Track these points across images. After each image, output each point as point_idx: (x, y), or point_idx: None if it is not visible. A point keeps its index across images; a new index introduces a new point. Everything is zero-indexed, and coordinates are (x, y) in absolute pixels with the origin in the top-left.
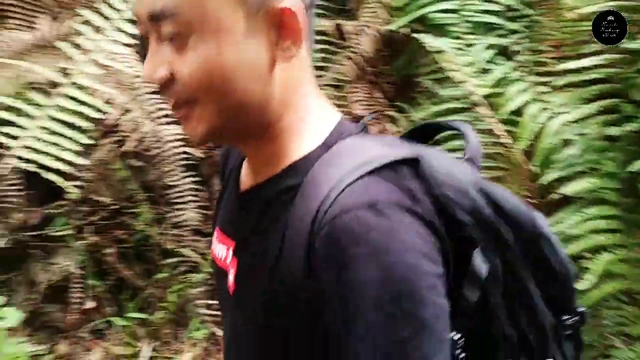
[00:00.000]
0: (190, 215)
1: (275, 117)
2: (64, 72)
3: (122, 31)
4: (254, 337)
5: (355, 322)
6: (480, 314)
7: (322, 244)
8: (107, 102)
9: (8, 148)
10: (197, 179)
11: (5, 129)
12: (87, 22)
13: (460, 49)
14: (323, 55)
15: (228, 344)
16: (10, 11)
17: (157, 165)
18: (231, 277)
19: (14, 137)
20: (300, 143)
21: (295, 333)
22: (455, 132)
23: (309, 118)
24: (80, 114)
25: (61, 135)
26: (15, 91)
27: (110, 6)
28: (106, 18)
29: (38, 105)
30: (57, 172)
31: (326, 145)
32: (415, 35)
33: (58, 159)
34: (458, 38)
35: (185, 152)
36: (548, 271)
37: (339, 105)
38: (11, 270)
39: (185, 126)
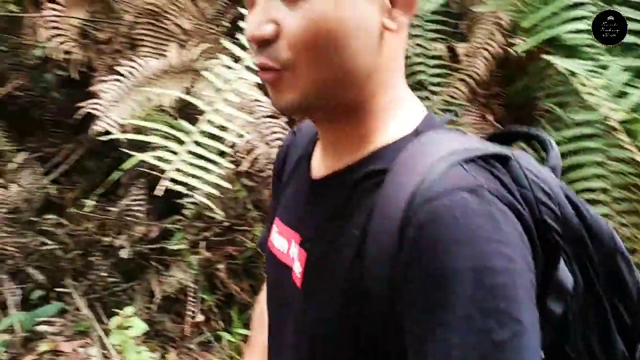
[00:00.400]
0: None
1: (370, 95)
2: (207, 100)
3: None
4: (327, 327)
5: (446, 311)
6: (558, 330)
7: (418, 224)
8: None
9: (162, 171)
10: None
11: (160, 153)
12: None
13: (593, 71)
14: (436, 78)
15: (288, 339)
16: (144, 40)
17: (269, 185)
18: (298, 269)
19: (167, 161)
20: (390, 128)
21: (370, 320)
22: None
23: (401, 103)
24: (219, 139)
25: (206, 159)
26: (145, 114)
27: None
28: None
29: (185, 131)
30: (204, 194)
31: (417, 133)
32: (545, 56)
33: (205, 182)
34: (592, 59)
35: None
36: (624, 293)
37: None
38: (132, 280)
39: (273, 93)
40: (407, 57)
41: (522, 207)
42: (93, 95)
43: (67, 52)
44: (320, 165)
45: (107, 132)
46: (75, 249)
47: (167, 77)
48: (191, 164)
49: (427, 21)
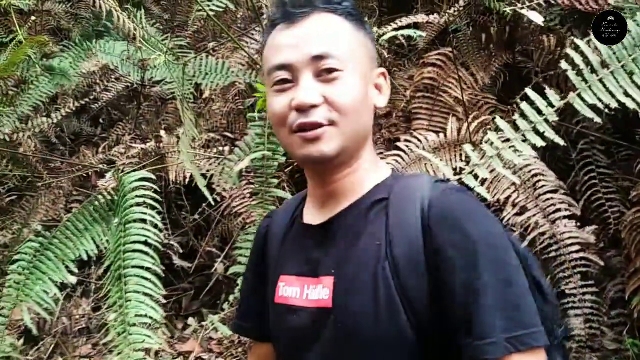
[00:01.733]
0: (577, 325)
1: (362, 151)
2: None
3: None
4: (363, 321)
5: (476, 267)
6: None
7: (436, 213)
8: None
9: None
10: (592, 288)
11: None
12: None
13: None
14: None
15: None
16: (420, 113)
17: (555, 268)
18: (325, 293)
19: None
20: (374, 176)
21: (401, 298)
22: None
23: (376, 158)
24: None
25: None
26: None
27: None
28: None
29: None
30: None
31: (392, 176)
32: None
33: None
34: None
35: (584, 258)
36: (541, 289)
37: None
38: None
39: (315, 144)
40: None
41: None
42: None
43: None
44: (317, 216)
45: None
46: None
47: (444, 150)
48: None
49: None
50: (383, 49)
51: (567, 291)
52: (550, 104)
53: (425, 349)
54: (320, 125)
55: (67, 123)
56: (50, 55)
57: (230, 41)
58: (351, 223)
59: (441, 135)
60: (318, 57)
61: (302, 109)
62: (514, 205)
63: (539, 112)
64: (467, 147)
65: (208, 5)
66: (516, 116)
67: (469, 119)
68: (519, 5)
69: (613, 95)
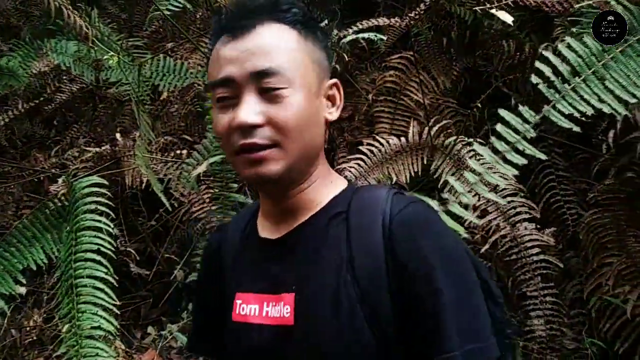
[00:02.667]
0: (538, 326)
1: (313, 167)
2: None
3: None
4: (326, 334)
5: (437, 279)
6: None
7: (399, 227)
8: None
9: None
10: (552, 290)
11: None
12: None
13: None
14: None
15: None
16: (382, 117)
17: (516, 271)
18: (286, 311)
19: None
20: (330, 188)
21: (363, 313)
22: None
23: (330, 172)
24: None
25: None
26: None
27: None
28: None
29: None
30: None
31: (351, 188)
32: None
33: None
34: None
35: (544, 261)
36: (490, 291)
37: None
38: None
39: (260, 166)
40: None
41: None
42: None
43: None
44: (273, 231)
45: None
46: None
47: (405, 154)
48: None
49: None
50: (344, 53)
51: (528, 293)
52: (526, 121)
53: None
54: (263, 146)
55: (18, 125)
56: None
57: (188, 42)
58: (310, 238)
59: (403, 139)
60: (261, 74)
61: (243, 129)
62: (475, 208)
63: (516, 131)
64: (451, 179)
65: (165, 6)
66: (493, 139)
67: (431, 123)
68: (488, 5)
69: (588, 103)
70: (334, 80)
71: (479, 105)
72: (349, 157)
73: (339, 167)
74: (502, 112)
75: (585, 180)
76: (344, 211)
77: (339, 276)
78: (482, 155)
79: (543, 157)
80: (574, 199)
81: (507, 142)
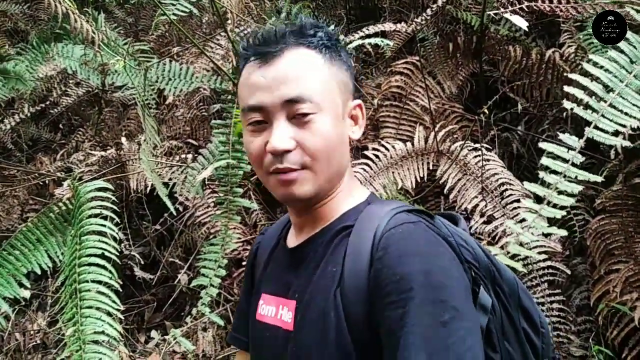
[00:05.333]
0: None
1: (339, 182)
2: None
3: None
4: (317, 345)
5: (408, 301)
6: (484, 337)
7: (382, 247)
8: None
9: None
10: (559, 297)
11: None
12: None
13: None
14: None
15: None
16: (387, 121)
17: (522, 278)
18: (289, 316)
19: None
20: (349, 201)
21: (348, 327)
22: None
23: (355, 185)
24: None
25: None
26: (390, 197)
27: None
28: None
29: None
30: None
31: (367, 202)
32: None
33: None
34: None
35: (551, 267)
36: (531, 320)
37: None
38: None
39: (290, 187)
40: None
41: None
42: None
43: None
44: (295, 239)
45: None
46: None
47: (411, 159)
48: None
49: None
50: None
51: (535, 300)
52: (570, 148)
53: None
54: (294, 170)
55: (24, 129)
56: (5, 58)
57: (194, 47)
58: (319, 249)
59: (409, 144)
60: (291, 101)
61: (276, 154)
62: (482, 214)
63: (563, 160)
64: (510, 223)
65: (172, 10)
66: (542, 174)
67: (436, 128)
68: (502, 10)
69: (630, 115)
70: (358, 101)
71: (485, 110)
72: (355, 161)
73: None
74: (545, 145)
75: (593, 187)
76: (351, 225)
77: (331, 290)
78: (531, 194)
79: (599, 179)
80: (581, 205)
81: (557, 173)
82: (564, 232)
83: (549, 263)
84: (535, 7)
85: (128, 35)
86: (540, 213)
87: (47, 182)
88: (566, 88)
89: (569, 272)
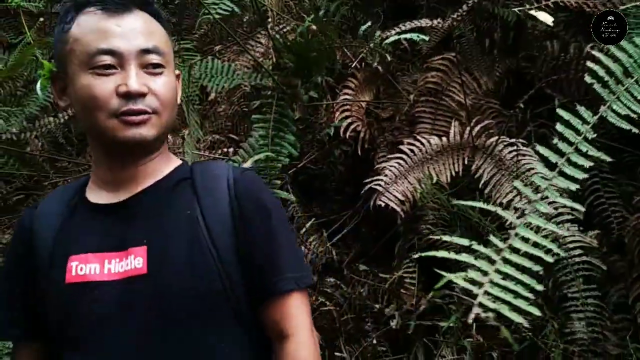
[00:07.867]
0: (579, 328)
1: (166, 140)
2: (519, 211)
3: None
4: (180, 282)
5: (273, 219)
6: None
7: (242, 184)
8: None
9: (473, 296)
10: (594, 292)
11: (471, 273)
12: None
13: None
14: None
15: (124, 336)
16: (423, 117)
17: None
18: (139, 262)
19: (478, 283)
20: (173, 160)
21: (214, 260)
22: None
23: (167, 148)
24: (531, 257)
25: (515, 279)
26: (425, 192)
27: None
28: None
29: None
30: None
31: (186, 163)
32: None
33: (514, 308)
34: None
35: (587, 262)
36: None
37: None
38: (399, 352)
39: (138, 128)
40: None
41: None
42: (376, 171)
43: (354, 131)
44: (111, 197)
45: (387, 206)
46: (349, 312)
47: (446, 153)
48: (500, 286)
49: None
50: (387, 53)
51: (569, 295)
52: (585, 121)
53: (234, 299)
54: (146, 112)
55: (74, 123)
56: None
57: (236, 44)
58: (155, 199)
59: (444, 139)
60: (146, 51)
61: (130, 96)
62: (515, 209)
63: (577, 131)
64: (518, 183)
65: (215, 10)
66: (557, 140)
67: (472, 123)
68: (528, 6)
69: None
70: (178, 72)
71: (522, 106)
72: (389, 156)
73: (378, 166)
74: (561, 112)
75: (632, 184)
76: (188, 177)
77: (192, 226)
78: (546, 158)
79: (608, 159)
80: (619, 202)
81: (570, 143)
82: (580, 207)
83: (585, 258)
84: (561, 4)
85: (172, 34)
86: (552, 182)
87: None
88: (589, 63)
89: (605, 268)
